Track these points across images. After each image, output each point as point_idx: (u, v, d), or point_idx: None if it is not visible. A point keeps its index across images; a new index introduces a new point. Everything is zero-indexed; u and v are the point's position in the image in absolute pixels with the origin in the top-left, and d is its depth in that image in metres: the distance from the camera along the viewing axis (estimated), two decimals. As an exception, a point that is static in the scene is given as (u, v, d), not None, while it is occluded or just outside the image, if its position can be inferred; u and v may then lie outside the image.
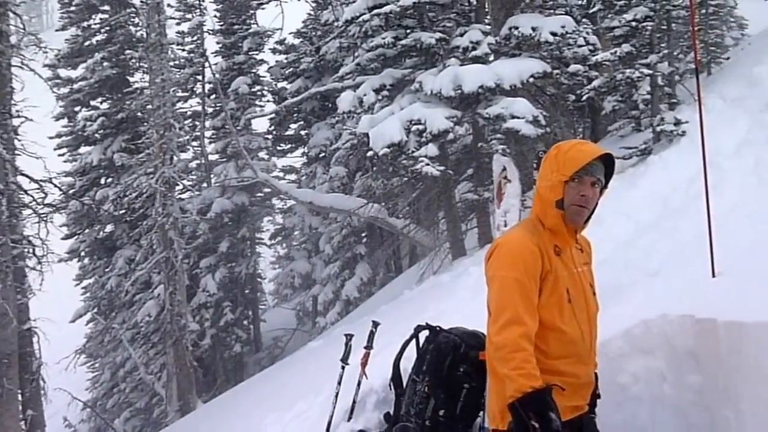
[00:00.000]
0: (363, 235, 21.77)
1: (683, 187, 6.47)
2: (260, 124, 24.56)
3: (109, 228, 21.02)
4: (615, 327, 4.05)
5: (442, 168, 10.52)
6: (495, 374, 3.02)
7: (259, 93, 23.82)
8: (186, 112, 23.54)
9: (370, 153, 11.12)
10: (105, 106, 21.43)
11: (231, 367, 23.11)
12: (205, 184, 23.38)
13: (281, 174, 24.98)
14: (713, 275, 4.07)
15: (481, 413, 4.35)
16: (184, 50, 22.94)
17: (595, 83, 10.34)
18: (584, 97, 11.16)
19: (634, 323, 3.93)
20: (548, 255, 3.04)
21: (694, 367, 3.64)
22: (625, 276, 4.81)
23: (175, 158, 17.25)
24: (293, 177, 24.85)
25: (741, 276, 3.84)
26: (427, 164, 10.14)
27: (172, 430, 13.33)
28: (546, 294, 3.01)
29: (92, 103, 21.60)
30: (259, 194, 23.65)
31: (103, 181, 21.14)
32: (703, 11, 13.20)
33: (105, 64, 20.74)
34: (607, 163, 3.15)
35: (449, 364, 4.49)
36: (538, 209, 3.15)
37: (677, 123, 8.90)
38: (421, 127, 10.24)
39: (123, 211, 19.77)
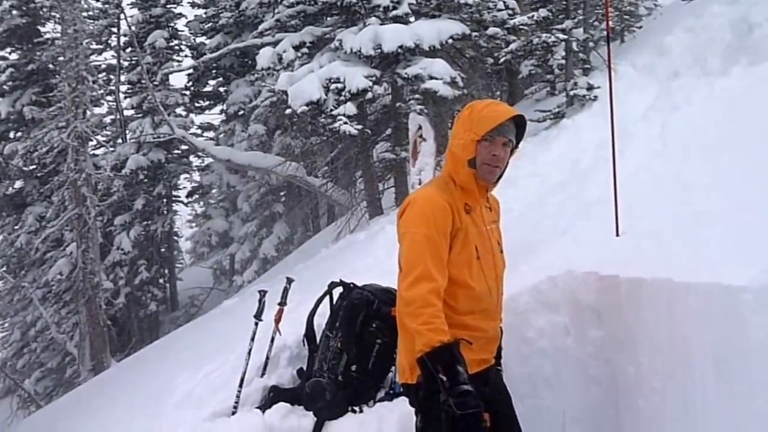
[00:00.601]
0: (281, 193, 21.67)
1: (593, 150, 6.66)
2: (178, 80, 24.29)
3: (18, 184, 20.38)
4: (523, 283, 4.17)
5: (360, 127, 10.53)
6: (405, 329, 3.06)
7: (176, 48, 23.30)
8: (100, 65, 22.88)
9: (288, 111, 11.02)
10: (14, 56, 20.67)
11: (146, 326, 22.82)
12: (120, 140, 22.77)
13: (199, 131, 24.59)
14: (617, 234, 4.22)
15: (393, 368, 4.45)
16: (98, 0, 22.19)
17: (512, 46, 10.48)
18: (501, 61, 11.29)
19: (541, 279, 4.05)
20: (459, 213, 3.08)
21: (597, 322, 3.78)
22: (535, 234, 4.94)
23: (88, 112, 16.68)
24: (211, 134, 24.50)
25: (643, 235, 3.99)
26: (346, 123, 10.13)
27: (85, 390, 13.11)
28: (456, 251, 3.06)
29: (0, 53, 20.74)
30: (176, 151, 23.16)
31: (12, 135, 20.42)
32: (619, -21, 13.46)
33: (14, 12, 19.90)
34: (518, 123, 3.22)
35: (362, 320, 4.57)
36: (450, 167, 3.19)
37: (590, 88, 9.13)
38: (340, 85, 10.22)
39: (33, 166, 19.14)
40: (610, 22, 12.16)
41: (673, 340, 3.27)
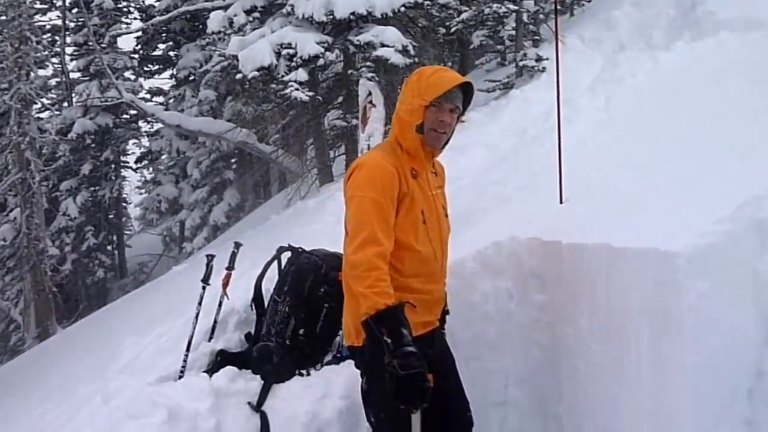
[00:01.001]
0: (232, 160, 21.48)
1: (540, 120, 6.77)
2: (126, 43, 23.73)
3: (-42, 147, 19.81)
4: (469, 248, 4.26)
5: (311, 94, 10.47)
6: (351, 293, 3.11)
7: (125, 9, 22.87)
8: (45, 25, 22.20)
9: (239, 76, 10.90)
10: (-47, 15, 19.94)
11: (94, 293, 22.59)
12: (65, 104, 22.32)
13: (148, 95, 24.19)
14: (561, 202, 4.32)
15: (340, 332, 4.49)
16: (42, -42, 21.56)
17: (464, 16, 10.49)
18: (453, 30, 11.31)
19: (486, 245, 4.13)
20: (405, 177, 3.13)
21: (540, 286, 3.88)
22: (482, 201, 5.02)
23: (32, 74, 16.33)
24: (161, 99, 24.07)
25: (585, 202, 4.10)
26: (297, 89, 10.06)
27: (29, 357, 12.95)
28: (402, 215, 3.10)
29: (-64, 11, 20.03)
30: (125, 116, 22.81)
31: (-50, 96, 19.81)
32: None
33: (-49, -31, 19.19)
34: (465, 90, 3.26)
35: (310, 285, 4.61)
36: (398, 132, 3.23)
37: (539, 59, 9.21)
38: (291, 51, 10.12)
39: (-26, 129, 18.63)
40: (561, -5, 12.24)
41: (611, 303, 3.38)
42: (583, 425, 3.56)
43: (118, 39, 22.40)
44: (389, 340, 2.85)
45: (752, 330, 3.35)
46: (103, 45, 20.49)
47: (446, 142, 3.28)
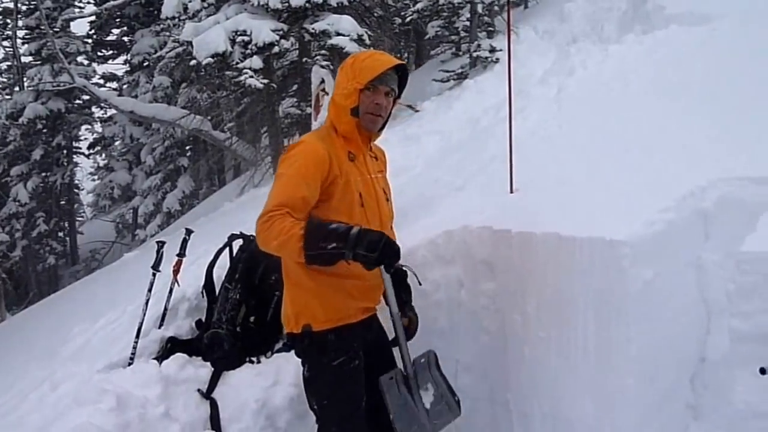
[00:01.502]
0: (187, 147, 21.27)
1: (493, 110, 6.82)
2: (79, 27, 23.27)
3: None
4: (420, 237, 4.28)
5: (266, 81, 10.40)
6: (289, 280, 3.16)
7: (79, -7, 22.40)
8: (-5, 8, 21.73)
9: (193, 62, 10.79)
10: None
11: (45, 280, 22.24)
12: (17, 88, 21.84)
13: (101, 81, 23.82)
14: (511, 191, 4.36)
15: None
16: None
17: (418, 6, 10.54)
18: (408, 20, 11.34)
19: (438, 234, 4.15)
20: (339, 160, 3.10)
21: (489, 274, 3.91)
22: (434, 190, 5.05)
23: (-19, 58, 15.95)
24: (114, 85, 23.73)
25: (535, 191, 4.14)
26: (251, 77, 9.99)
27: (-25, 344, 12.69)
28: (338, 197, 3.07)
29: None
30: (77, 101, 22.41)
31: None
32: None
33: None
34: (401, 74, 3.27)
35: (261, 272, 4.60)
36: (333, 116, 3.21)
37: (492, 50, 9.30)
38: (246, 38, 10.03)
39: None
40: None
41: (559, 290, 3.44)
42: (531, 410, 3.62)
43: (71, 23, 22.02)
44: (335, 244, 2.80)
45: (695, 317, 3.45)
46: (55, 29, 20.09)
47: (383, 126, 3.28)
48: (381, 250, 2.80)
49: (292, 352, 4.38)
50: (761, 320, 3.00)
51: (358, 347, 3.22)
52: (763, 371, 2.45)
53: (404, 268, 3.43)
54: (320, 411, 3.26)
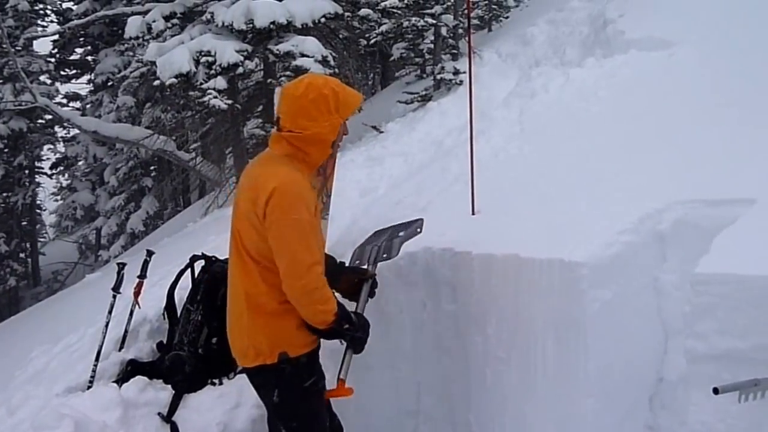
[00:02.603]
0: (151, 168, 21.10)
1: (456, 132, 6.88)
2: (42, 46, 22.97)
3: None
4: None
5: (230, 102, 10.39)
6: (266, 312, 3.15)
7: (41, 12, 22.25)
8: (-44, 25, 21.39)
9: (157, 82, 10.74)
10: None
11: (5, 301, 21.76)
12: (-23, 106, 21.50)
13: (64, 100, 23.51)
14: (473, 213, 4.40)
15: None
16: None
17: (383, 28, 10.62)
18: (372, 42, 11.43)
19: (401, 256, 4.15)
20: (313, 191, 3.22)
21: (451, 296, 3.95)
22: (396, 212, 5.04)
23: (-57, 76, 15.69)
24: (77, 104, 23.43)
25: (496, 214, 4.19)
26: (216, 97, 9.96)
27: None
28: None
29: None
30: (40, 120, 22.07)
31: None
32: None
33: None
34: None
35: (223, 294, 4.53)
36: (312, 150, 3.18)
37: (456, 72, 9.40)
38: (210, 58, 10.00)
39: None
40: (479, 11, 12.48)
41: (518, 311, 3.48)
42: (492, 431, 3.64)
43: (34, 42, 21.73)
44: (347, 326, 3.17)
45: (653, 338, 3.50)
46: (17, 47, 19.83)
47: None
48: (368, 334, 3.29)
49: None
50: (715, 341, 3.05)
51: (320, 366, 3.33)
52: (716, 391, 2.48)
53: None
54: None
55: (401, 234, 3.82)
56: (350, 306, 3.40)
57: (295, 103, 3.13)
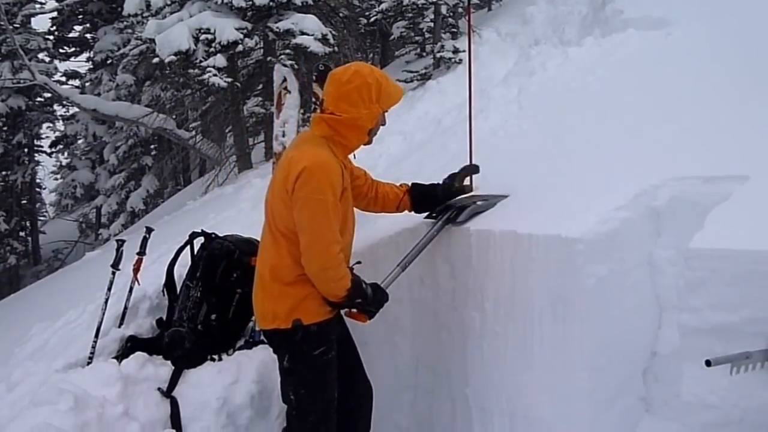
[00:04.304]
0: (151, 146, 21.08)
1: (455, 111, 6.89)
2: (41, 23, 22.84)
3: None
4: (381, 236, 4.34)
5: (230, 80, 10.38)
6: (281, 281, 3.35)
7: (39, -12, 22.07)
8: (-49, 2, 21.28)
9: (156, 60, 10.74)
10: None
11: (6, 280, 21.81)
12: (-25, 85, 21.43)
13: (63, 78, 23.41)
14: (471, 190, 4.42)
15: (253, 318, 4.50)
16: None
17: (383, 6, 10.59)
18: (372, 20, 11.39)
19: (398, 231, 4.21)
20: (345, 173, 3.35)
21: (449, 272, 3.97)
22: (395, 189, 5.07)
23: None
24: (77, 82, 23.36)
25: (494, 190, 4.20)
26: (215, 75, 9.96)
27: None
28: (343, 208, 3.34)
29: None
30: (39, 99, 22.03)
31: None
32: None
33: None
34: None
35: (223, 270, 4.61)
36: (350, 135, 3.39)
37: (455, 51, 9.39)
38: (210, 36, 9.99)
39: None
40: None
41: (516, 287, 3.51)
42: (489, 405, 3.69)
43: (32, 19, 21.63)
44: (360, 301, 3.35)
45: (647, 313, 3.53)
46: (15, 24, 19.74)
47: None
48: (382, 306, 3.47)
49: (254, 349, 4.45)
50: (708, 315, 3.09)
51: (333, 339, 3.47)
52: (708, 364, 2.52)
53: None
54: (297, 400, 3.46)
55: (479, 203, 3.98)
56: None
57: (340, 87, 3.32)
